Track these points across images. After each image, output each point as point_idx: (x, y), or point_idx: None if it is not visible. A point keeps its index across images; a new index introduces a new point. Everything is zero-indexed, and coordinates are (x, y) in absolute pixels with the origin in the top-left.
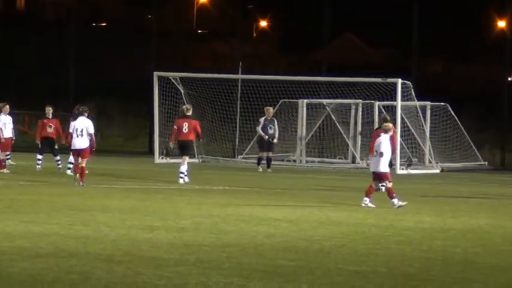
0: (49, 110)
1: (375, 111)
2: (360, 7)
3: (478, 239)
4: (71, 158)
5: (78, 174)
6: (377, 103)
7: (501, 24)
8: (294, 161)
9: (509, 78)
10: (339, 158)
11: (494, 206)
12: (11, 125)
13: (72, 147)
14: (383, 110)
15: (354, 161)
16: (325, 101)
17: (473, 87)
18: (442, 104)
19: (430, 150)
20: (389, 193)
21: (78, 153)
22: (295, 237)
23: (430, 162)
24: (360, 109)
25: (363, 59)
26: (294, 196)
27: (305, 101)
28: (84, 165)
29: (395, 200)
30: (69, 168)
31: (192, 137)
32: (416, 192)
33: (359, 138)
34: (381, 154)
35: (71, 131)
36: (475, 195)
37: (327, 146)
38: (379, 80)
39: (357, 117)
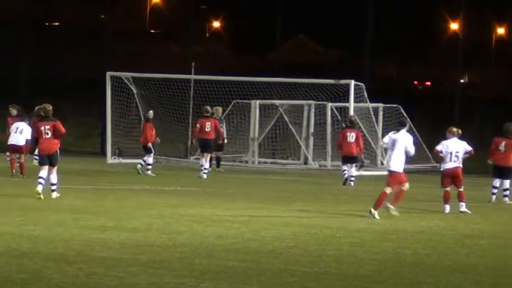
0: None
1: (327, 113)
2: (313, 8)
3: (429, 241)
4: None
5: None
6: (329, 104)
7: (454, 26)
8: (246, 161)
9: (462, 80)
10: (291, 159)
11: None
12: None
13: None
14: (335, 111)
15: (306, 162)
16: (277, 102)
17: (425, 88)
18: (395, 105)
19: (382, 151)
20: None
21: (16, 149)
22: (247, 238)
23: (382, 163)
24: (313, 110)
25: (315, 60)
26: (245, 197)
27: (258, 101)
28: (22, 160)
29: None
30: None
31: (213, 135)
32: (367, 193)
33: (311, 139)
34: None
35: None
36: (427, 197)
37: (280, 147)
38: (332, 81)
39: (309, 118)
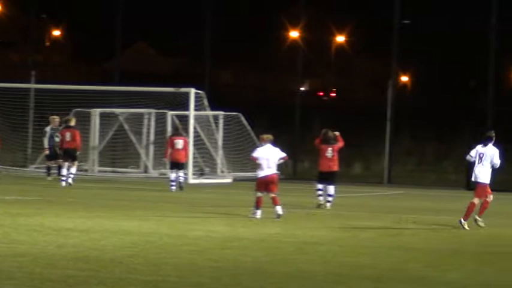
0: None
1: (167, 121)
2: (152, 16)
3: (269, 248)
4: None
5: None
6: (170, 113)
7: (294, 34)
8: (86, 170)
9: (301, 89)
10: (132, 168)
11: (286, 215)
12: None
13: None
14: (176, 119)
15: (146, 171)
16: (117, 111)
17: (266, 97)
18: (235, 113)
19: (222, 159)
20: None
21: None
22: (87, 247)
23: (222, 171)
24: (153, 119)
25: (155, 68)
26: (85, 206)
27: (98, 110)
28: None
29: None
30: None
31: (73, 144)
32: (208, 201)
33: (152, 147)
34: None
35: None
36: (268, 205)
37: (120, 155)
38: (172, 89)
39: (149, 127)
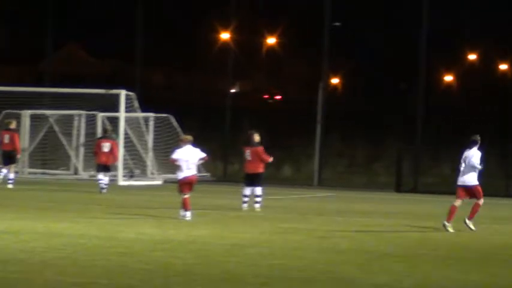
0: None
1: (97, 123)
2: (84, 17)
3: (198, 250)
4: None
5: None
6: (100, 114)
7: (225, 36)
8: (16, 172)
9: (232, 90)
10: (62, 169)
11: (216, 217)
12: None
13: None
14: (106, 121)
15: (76, 173)
16: (48, 112)
17: (197, 98)
18: (165, 115)
19: (152, 161)
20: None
21: None
22: (16, 249)
23: (152, 173)
24: (84, 120)
25: (86, 70)
26: (15, 208)
27: (28, 111)
28: None
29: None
30: None
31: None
32: (138, 203)
33: (82, 149)
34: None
35: None
36: (197, 207)
37: (50, 157)
38: (102, 91)
39: (80, 129)
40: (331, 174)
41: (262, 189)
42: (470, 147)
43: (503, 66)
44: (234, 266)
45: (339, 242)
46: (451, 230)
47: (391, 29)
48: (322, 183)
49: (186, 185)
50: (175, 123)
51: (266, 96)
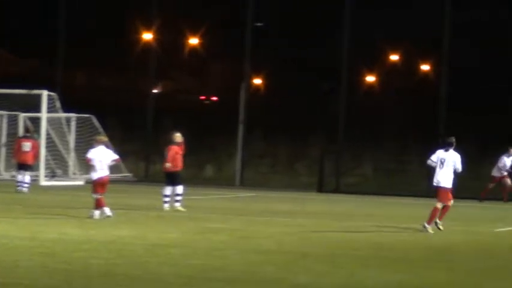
0: None
1: (19, 123)
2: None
3: (120, 250)
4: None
5: None
6: (22, 115)
7: (147, 36)
8: None
9: (154, 91)
10: None
11: (137, 218)
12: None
13: None
14: (28, 121)
15: None
16: None
17: (119, 99)
18: (87, 115)
19: (74, 161)
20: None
21: None
22: None
23: (74, 173)
24: (5, 120)
25: (8, 69)
26: None
27: None
28: None
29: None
30: None
31: None
32: (59, 203)
33: (3, 149)
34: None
35: None
36: (119, 207)
37: None
38: (24, 91)
39: (1, 129)
40: (254, 174)
41: (184, 188)
42: (447, 149)
43: (425, 67)
44: (156, 266)
45: (260, 243)
46: (430, 231)
47: (314, 29)
48: (245, 184)
49: (99, 185)
50: (97, 124)
51: (202, 98)
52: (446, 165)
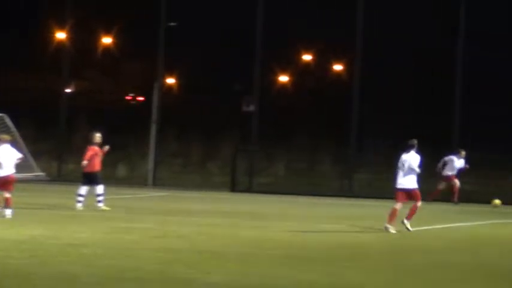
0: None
1: None
2: None
3: (31, 250)
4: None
5: None
6: None
7: (60, 36)
8: None
9: (67, 90)
10: None
11: (50, 217)
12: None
13: None
14: None
15: None
16: None
17: (30, 97)
18: (0, 114)
19: None
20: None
21: None
22: None
23: None
24: None
25: None
26: None
27: None
28: None
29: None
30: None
31: None
32: None
33: None
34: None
35: None
36: (32, 206)
37: None
38: None
39: None
40: (167, 173)
41: (104, 187)
42: (408, 151)
43: (338, 67)
44: (69, 265)
45: (173, 242)
46: (393, 231)
47: (228, 27)
48: (157, 183)
49: (5, 184)
50: (10, 123)
51: (129, 98)
52: (407, 166)
